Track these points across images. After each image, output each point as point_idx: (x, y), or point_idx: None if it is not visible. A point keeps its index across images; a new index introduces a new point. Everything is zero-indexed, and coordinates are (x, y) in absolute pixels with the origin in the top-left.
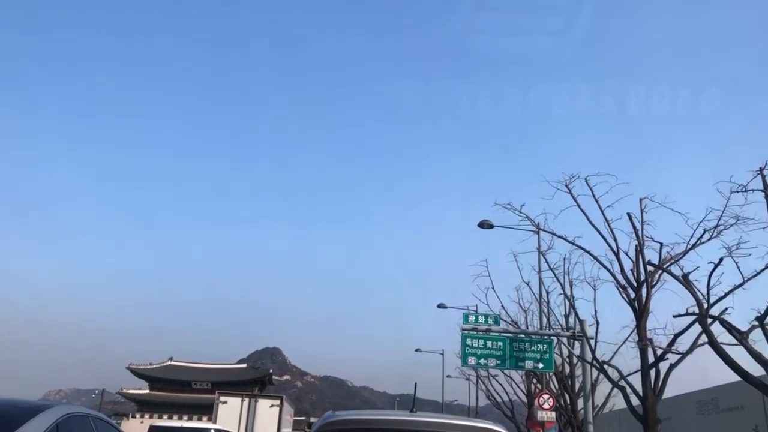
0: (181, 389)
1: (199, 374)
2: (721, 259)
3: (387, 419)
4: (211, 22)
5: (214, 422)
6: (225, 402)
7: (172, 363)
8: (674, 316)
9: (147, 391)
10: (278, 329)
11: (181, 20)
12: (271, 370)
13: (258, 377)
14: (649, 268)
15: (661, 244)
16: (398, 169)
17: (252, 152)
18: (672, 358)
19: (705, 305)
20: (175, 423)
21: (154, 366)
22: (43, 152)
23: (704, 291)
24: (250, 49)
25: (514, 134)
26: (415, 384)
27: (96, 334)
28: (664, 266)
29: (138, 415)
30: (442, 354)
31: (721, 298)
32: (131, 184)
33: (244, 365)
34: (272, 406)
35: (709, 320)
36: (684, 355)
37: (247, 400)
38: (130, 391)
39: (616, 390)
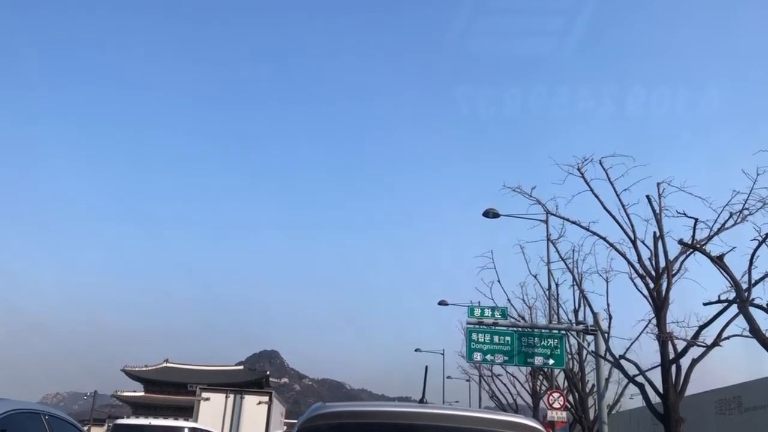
0: (177, 391)
1: (194, 376)
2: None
3: (390, 411)
4: (210, 36)
5: (195, 420)
6: (207, 399)
7: (168, 365)
8: (704, 304)
9: (142, 394)
10: (277, 332)
11: (180, 34)
12: (268, 372)
13: (255, 379)
14: (671, 256)
15: (696, 219)
16: (397, 169)
17: (252, 154)
18: (694, 353)
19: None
20: (142, 421)
21: (150, 368)
22: (43, 154)
23: (738, 276)
24: (250, 59)
25: (514, 135)
26: (426, 368)
27: (95, 336)
28: (698, 246)
29: (133, 418)
30: (443, 354)
31: (757, 282)
32: (130, 186)
33: (241, 367)
34: (260, 403)
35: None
36: (710, 347)
37: (232, 396)
38: (125, 394)
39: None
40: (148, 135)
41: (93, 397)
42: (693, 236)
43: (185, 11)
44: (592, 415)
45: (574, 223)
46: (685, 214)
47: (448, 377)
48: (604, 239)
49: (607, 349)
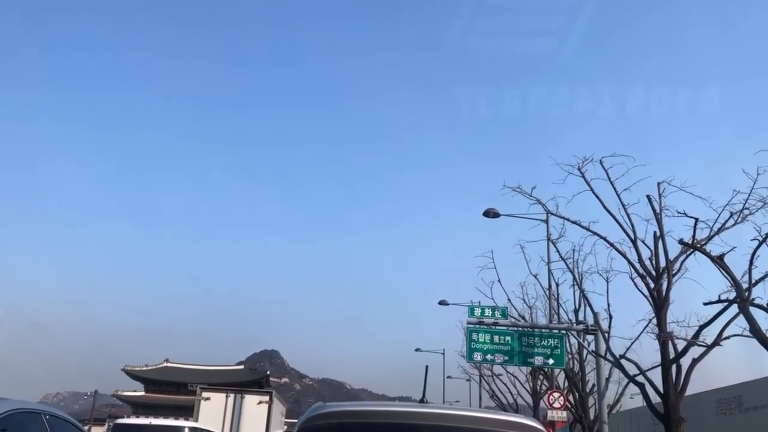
0: (177, 391)
1: (195, 376)
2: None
3: (391, 411)
4: (212, 38)
5: (195, 420)
6: (208, 398)
7: (168, 365)
8: (705, 304)
9: (142, 393)
10: (277, 332)
11: (181, 36)
12: (268, 372)
13: (255, 379)
14: (671, 256)
15: (696, 219)
16: (397, 169)
17: (252, 155)
18: (694, 353)
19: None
20: (142, 421)
21: (150, 368)
22: (44, 156)
23: (738, 275)
24: (251, 60)
25: (514, 135)
26: (426, 367)
27: (95, 336)
28: (698, 245)
29: (133, 418)
30: (443, 354)
31: (757, 281)
32: (131, 187)
33: (241, 367)
34: (260, 402)
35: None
36: (710, 347)
37: (232, 395)
38: (125, 393)
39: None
40: (149, 135)
41: (93, 397)
42: (693, 236)
43: (186, 12)
44: (592, 415)
45: (574, 222)
46: (685, 213)
47: (448, 377)
48: (605, 239)
49: (608, 348)
